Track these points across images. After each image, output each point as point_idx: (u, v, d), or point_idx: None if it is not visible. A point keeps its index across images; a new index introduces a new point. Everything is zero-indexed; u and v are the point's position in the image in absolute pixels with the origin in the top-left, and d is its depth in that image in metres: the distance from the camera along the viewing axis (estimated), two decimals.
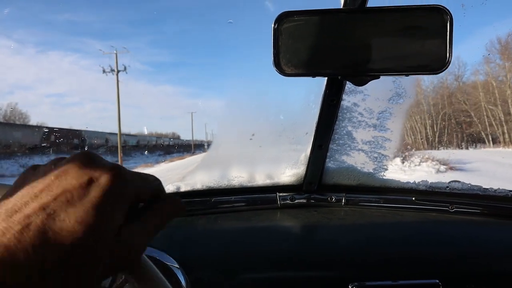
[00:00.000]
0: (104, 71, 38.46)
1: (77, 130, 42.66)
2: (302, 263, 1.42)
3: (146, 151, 51.18)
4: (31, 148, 33.57)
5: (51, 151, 34.73)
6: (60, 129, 40.89)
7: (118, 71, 38.22)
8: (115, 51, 38.56)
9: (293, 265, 1.42)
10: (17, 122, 41.68)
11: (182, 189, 1.63)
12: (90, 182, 0.43)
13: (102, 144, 45.96)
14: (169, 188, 1.62)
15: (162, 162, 34.14)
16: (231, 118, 1.99)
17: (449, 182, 1.70)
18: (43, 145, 35.99)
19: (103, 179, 0.44)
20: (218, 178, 1.71)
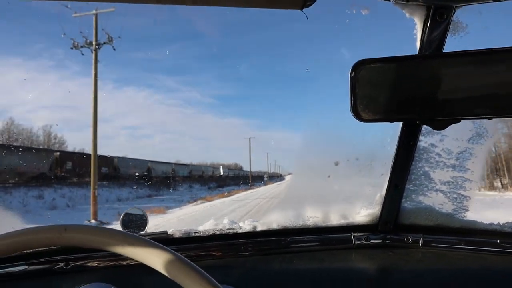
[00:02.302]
0: (74, 46, 20.89)
1: (108, 157, 34.41)
2: None
3: (198, 183, 44.80)
4: (35, 177, 26.69)
5: (67, 181, 28.85)
6: (84, 155, 31.80)
7: (97, 46, 20.52)
8: (94, 11, 20.30)
9: None
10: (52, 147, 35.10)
11: (259, 229, 1.68)
12: None
13: (140, 174, 38.15)
14: (245, 228, 1.68)
15: (193, 202, 25.39)
16: (306, 159, 2.04)
17: None
18: (58, 173, 28.81)
19: None
20: (293, 218, 1.74)
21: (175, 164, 46.80)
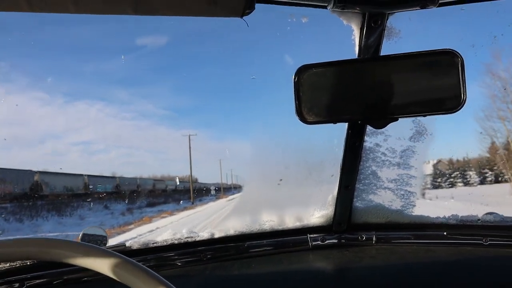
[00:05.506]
0: None
1: None
2: None
3: (121, 202, 28.75)
4: None
5: None
6: None
7: None
8: None
9: None
10: None
11: (216, 236, 1.69)
12: None
13: (13, 192, 23.77)
14: (203, 235, 1.68)
15: None
16: (258, 165, 2.07)
17: (481, 215, 1.69)
18: None
19: None
20: (250, 223, 1.76)
21: (90, 176, 33.93)
